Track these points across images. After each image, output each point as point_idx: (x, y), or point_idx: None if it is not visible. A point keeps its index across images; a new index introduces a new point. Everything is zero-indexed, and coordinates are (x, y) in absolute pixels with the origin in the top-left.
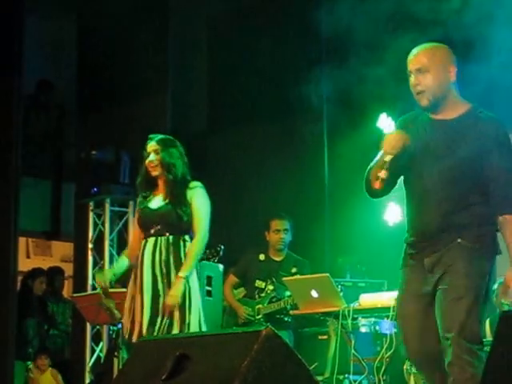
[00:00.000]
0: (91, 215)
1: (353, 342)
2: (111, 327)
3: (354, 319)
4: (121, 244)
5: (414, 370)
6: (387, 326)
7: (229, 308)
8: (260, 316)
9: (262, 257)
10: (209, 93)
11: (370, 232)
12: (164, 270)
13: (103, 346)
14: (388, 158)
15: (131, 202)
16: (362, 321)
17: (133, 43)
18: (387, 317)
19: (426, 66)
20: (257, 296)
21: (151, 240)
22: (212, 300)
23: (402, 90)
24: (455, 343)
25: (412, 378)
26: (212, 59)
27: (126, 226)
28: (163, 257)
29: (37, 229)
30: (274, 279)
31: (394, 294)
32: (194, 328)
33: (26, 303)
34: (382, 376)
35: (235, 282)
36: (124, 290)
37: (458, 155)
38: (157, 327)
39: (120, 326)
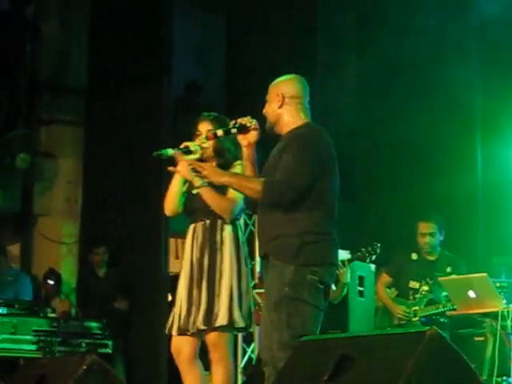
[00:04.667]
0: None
1: None
2: None
3: None
4: None
5: None
6: None
7: (382, 308)
8: (417, 318)
9: (414, 256)
10: (357, 92)
11: None
12: (198, 255)
13: (255, 347)
14: None
15: None
16: None
17: (280, 43)
18: None
19: (267, 98)
20: (411, 297)
21: (191, 227)
22: (364, 300)
23: None
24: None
25: None
26: (361, 58)
27: None
28: (199, 242)
29: (184, 229)
30: (428, 280)
31: None
32: (222, 314)
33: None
34: None
35: (388, 281)
36: None
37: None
38: (192, 318)
39: None
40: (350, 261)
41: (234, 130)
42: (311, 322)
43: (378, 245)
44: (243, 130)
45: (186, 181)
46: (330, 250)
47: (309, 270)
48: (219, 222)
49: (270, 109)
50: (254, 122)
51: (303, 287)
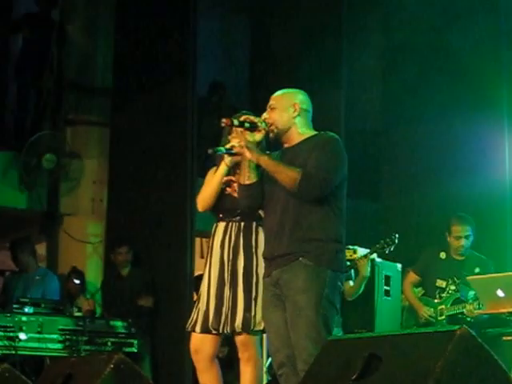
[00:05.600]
0: None
1: None
2: None
3: None
4: None
5: None
6: None
7: (408, 307)
8: (443, 317)
9: (442, 255)
10: (382, 91)
11: None
12: (231, 256)
13: None
14: None
15: None
16: None
17: (306, 42)
18: None
19: (273, 105)
20: (437, 296)
21: (221, 225)
22: (390, 300)
23: None
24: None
25: None
26: (388, 56)
27: None
28: (233, 243)
29: (209, 228)
30: (455, 279)
31: None
32: (260, 318)
33: None
34: None
35: (416, 280)
36: None
37: None
38: (222, 318)
39: None
40: (370, 253)
41: (247, 125)
42: (334, 324)
43: (396, 235)
44: (253, 128)
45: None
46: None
47: (339, 276)
48: (254, 224)
49: (281, 117)
50: (264, 124)
51: (335, 292)
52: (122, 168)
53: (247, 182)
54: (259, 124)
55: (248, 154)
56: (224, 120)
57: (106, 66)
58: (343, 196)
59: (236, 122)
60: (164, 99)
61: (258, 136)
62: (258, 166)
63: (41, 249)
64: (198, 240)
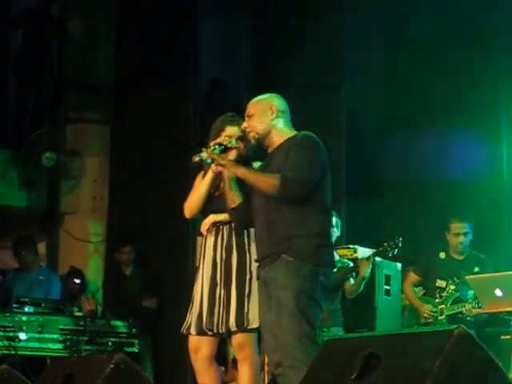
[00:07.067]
0: None
1: None
2: None
3: None
4: None
5: None
6: None
7: (409, 306)
8: (443, 317)
9: (442, 255)
10: (384, 91)
11: None
12: (224, 256)
13: None
14: None
15: None
16: None
17: (306, 41)
18: None
19: (250, 113)
20: (437, 295)
21: (213, 228)
22: (391, 299)
23: None
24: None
25: None
26: (389, 57)
27: None
28: (225, 243)
29: None
30: (455, 279)
31: None
32: (253, 315)
33: None
34: None
35: (416, 280)
36: None
37: None
38: (215, 318)
39: None
40: (373, 255)
41: (216, 151)
42: (318, 320)
43: (400, 239)
44: (224, 150)
45: (213, 183)
46: (333, 253)
47: (321, 271)
48: None
49: (260, 122)
50: (233, 141)
51: (317, 287)
52: (123, 166)
53: (232, 206)
54: (229, 145)
55: (225, 170)
56: (193, 157)
57: (107, 63)
58: (325, 189)
59: (204, 155)
60: (165, 97)
61: (232, 155)
62: (239, 183)
63: (41, 248)
64: (199, 239)
